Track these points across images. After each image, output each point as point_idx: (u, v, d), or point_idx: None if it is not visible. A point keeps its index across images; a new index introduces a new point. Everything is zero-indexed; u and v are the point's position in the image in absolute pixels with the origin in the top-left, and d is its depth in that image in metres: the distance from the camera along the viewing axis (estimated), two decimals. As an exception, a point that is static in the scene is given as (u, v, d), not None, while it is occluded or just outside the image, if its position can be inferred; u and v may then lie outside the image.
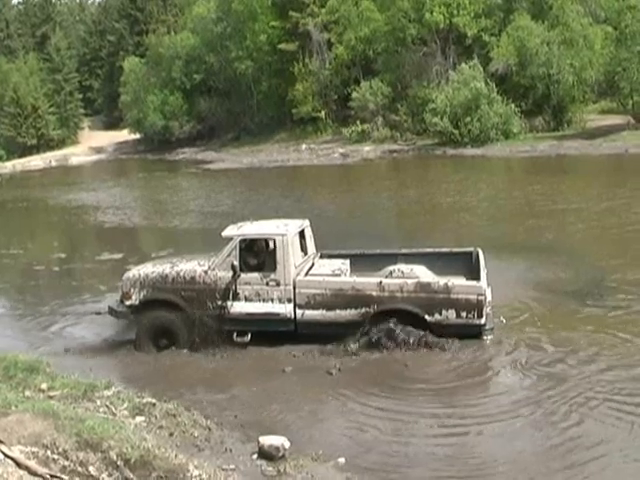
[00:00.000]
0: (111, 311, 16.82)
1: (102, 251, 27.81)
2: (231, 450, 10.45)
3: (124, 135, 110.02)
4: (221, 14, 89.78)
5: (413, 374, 13.70)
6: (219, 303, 15.64)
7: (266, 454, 10.12)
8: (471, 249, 17.07)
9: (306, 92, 79.48)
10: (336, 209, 36.60)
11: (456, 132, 60.98)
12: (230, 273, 15.44)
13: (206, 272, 15.68)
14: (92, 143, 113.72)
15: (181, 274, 15.87)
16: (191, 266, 16.00)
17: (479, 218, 30.60)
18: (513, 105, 61.15)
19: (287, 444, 10.20)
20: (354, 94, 73.45)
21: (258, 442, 10.29)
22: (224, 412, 12.04)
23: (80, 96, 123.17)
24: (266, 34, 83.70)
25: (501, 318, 16.02)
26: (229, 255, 15.52)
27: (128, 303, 16.24)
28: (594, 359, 13.90)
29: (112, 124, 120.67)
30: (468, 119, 60.56)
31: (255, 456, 10.18)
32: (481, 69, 63.08)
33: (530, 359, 14.10)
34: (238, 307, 15.57)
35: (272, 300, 15.49)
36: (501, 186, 40.40)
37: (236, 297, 15.57)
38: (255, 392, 13.31)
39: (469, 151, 58.57)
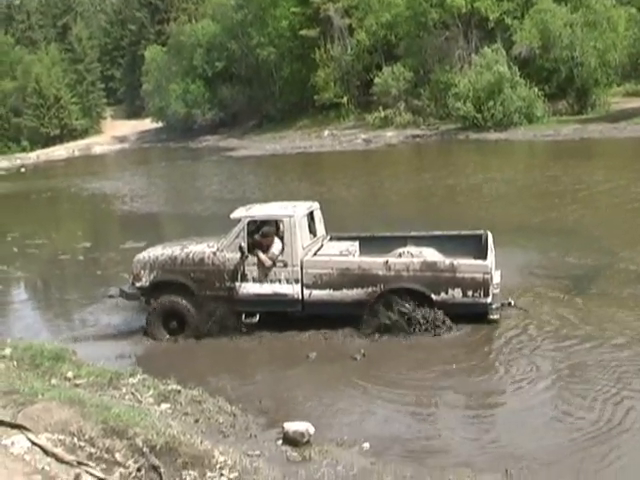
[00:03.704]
0: (122, 293, 16.96)
1: (126, 239, 27.91)
2: (256, 436, 10.49)
3: (146, 124, 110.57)
4: (241, 1, 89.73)
5: (434, 358, 13.70)
6: (228, 284, 15.66)
7: (291, 440, 10.15)
8: (480, 231, 17.04)
9: (328, 78, 79.49)
10: (355, 193, 36.74)
11: (479, 116, 60.83)
12: (238, 254, 15.51)
13: (215, 254, 15.72)
14: (115, 132, 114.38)
15: (190, 256, 15.91)
16: (200, 248, 16.02)
17: (498, 201, 30.57)
18: (536, 89, 60.93)
19: (312, 430, 10.22)
20: (376, 79, 73.45)
21: (283, 428, 10.32)
22: (248, 398, 12.06)
23: (102, 86, 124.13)
24: (287, 20, 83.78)
25: (509, 299, 15.98)
26: (237, 237, 15.55)
27: (138, 285, 16.35)
28: (611, 342, 13.75)
29: (134, 113, 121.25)
30: (491, 103, 60.39)
31: (280, 442, 10.20)
32: (504, 53, 62.89)
33: (545, 343, 14.04)
34: (246, 288, 15.59)
35: (280, 281, 15.50)
36: (523, 170, 40.33)
37: (244, 278, 15.60)
38: (279, 378, 13.36)
39: (492, 135, 58.43)
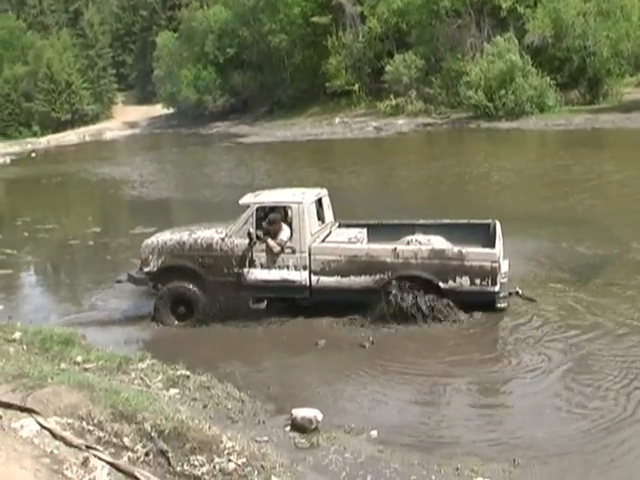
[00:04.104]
0: (130, 278, 17.01)
1: (136, 225, 27.93)
2: (264, 422, 10.53)
3: (157, 110, 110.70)
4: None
5: (443, 347, 13.70)
6: (236, 270, 15.68)
7: (299, 426, 10.17)
8: (489, 221, 17.00)
9: (339, 65, 79.33)
10: (365, 181, 36.86)
11: (491, 105, 60.60)
12: (247, 240, 15.51)
13: (223, 239, 15.74)
14: (126, 118, 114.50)
15: (198, 241, 15.94)
16: (209, 233, 16.05)
17: (507, 190, 30.49)
18: (548, 78, 60.63)
19: (320, 416, 10.24)
20: (388, 67, 73.27)
21: (291, 414, 10.35)
22: (257, 384, 12.08)
23: (113, 71, 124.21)
24: (299, 7, 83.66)
25: (517, 289, 15.98)
26: (246, 223, 15.57)
27: (146, 270, 16.39)
28: (621, 333, 13.73)
29: (145, 99, 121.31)
30: (503, 92, 60.12)
31: (288, 428, 10.24)
32: (516, 41, 62.57)
33: (554, 333, 14.01)
34: (254, 274, 15.62)
35: (288, 267, 15.53)
36: (534, 159, 40.18)
37: (252, 264, 15.62)
38: (288, 365, 13.37)
39: (504, 124, 58.27)
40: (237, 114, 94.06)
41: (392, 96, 72.15)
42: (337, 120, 75.71)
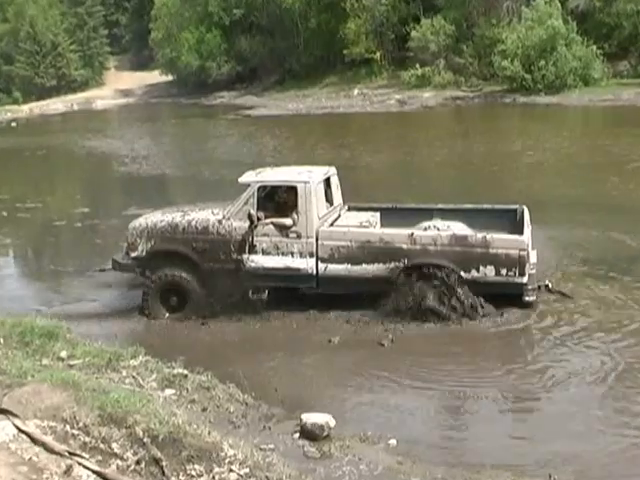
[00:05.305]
0: (115, 264, 16.97)
1: (129, 205, 27.89)
2: (270, 428, 10.51)
3: (155, 76, 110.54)
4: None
5: (470, 348, 13.68)
6: (234, 256, 15.65)
7: (309, 433, 10.15)
8: (516, 206, 16.95)
9: (359, 30, 79.01)
10: (383, 159, 36.96)
11: (528, 77, 60.40)
12: (247, 223, 15.45)
13: (220, 222, 15.71)
14: (119, 85, 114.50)
15: (193, 223, 15.90)
16: (204, 215, 16.03)
17: (540, 173, 30.61)
18: (595, 47, 60.34)
19: (332, 423, 10.22)
20: (413, 33, 73.04)
21: (300, 420, 10.34)
22: (263, 386, 12.10)
23: (105, 32, 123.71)
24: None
25: (547, 282, 15.95)
26: (246, 203, 15.51)
27: (134, 255, 16.35)
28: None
29: (141, 64, 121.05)
30: (542, 63, 59.91)
31: (296, 435, 10.21)
32: (559, 5, 62.23)
33: (590, 334, 14.02)
34: (255, 261, 15.60)
35: (292, 254, 15.51)
36: (574, 139, 40.10)
37: (253, 250, 15.59)
38: (298, 364, 13.38)
39: (543, 99, 58.13)
40: (244, 83, 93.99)
41: (418, 65, 71.95)
42: (356, 92, 75.70)
